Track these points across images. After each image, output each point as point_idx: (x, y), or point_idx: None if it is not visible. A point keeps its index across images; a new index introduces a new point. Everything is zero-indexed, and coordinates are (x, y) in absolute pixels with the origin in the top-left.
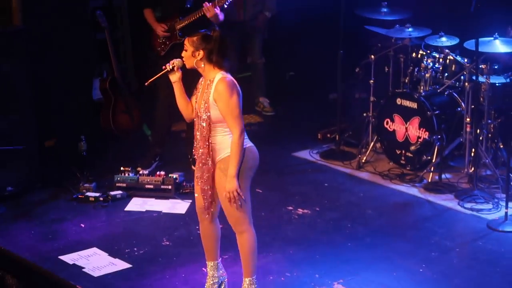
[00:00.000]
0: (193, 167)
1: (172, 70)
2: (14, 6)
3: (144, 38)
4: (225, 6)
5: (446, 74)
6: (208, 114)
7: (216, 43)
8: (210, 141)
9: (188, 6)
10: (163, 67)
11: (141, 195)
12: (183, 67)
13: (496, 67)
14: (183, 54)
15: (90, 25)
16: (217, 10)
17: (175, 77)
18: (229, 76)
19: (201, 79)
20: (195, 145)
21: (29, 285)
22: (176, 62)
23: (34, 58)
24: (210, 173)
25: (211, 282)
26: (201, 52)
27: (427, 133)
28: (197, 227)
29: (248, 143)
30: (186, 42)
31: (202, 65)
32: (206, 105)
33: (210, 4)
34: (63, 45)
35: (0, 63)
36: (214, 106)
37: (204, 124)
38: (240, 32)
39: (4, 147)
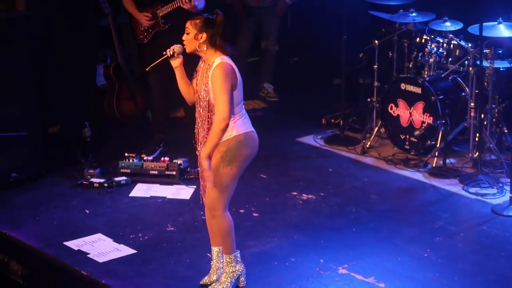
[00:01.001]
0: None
1: (173, 55)
2: None
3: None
4: None
5: (450, 59)
6: (208, 97)
7: (220, 27)
8: (211, 123)
9: None
10: (164, 52)
11: (146, 181)
12: (183, 52)
13: (500, 51)
14: (185, 37)
15: (94, 11)
16: (195, 1)
17: (176, 63)
18: (228, 62)
19: (200, 62)
20: (196, 127)
21: (34, 271)
22: (176, 48)
23: (38, 44)
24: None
25: (216, 267)
26: (204, 35)
27: (431, 118)
28: (201, 212)
29: (249, 128)
30: (188, 25)
31: (204, 48)
32: (206, 88)
33: None
34: (67, 31)
35: (3, 49)
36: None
37: (205, 107)
38: (257, 17)
39: (8, 133)
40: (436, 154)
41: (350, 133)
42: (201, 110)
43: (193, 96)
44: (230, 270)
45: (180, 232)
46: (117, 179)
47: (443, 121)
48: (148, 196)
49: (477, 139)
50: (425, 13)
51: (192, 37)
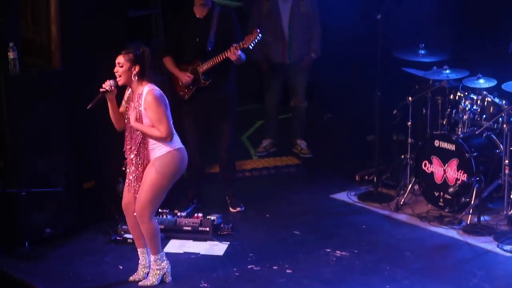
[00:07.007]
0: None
1: (110, 90)
2: (53, 49)
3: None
4: (250, 47)
5: (484, 116)
6: (141, 122)
7: (149, 60)
8: (144, 144)
9: (209, 49)
10: (100, 89)
11: (179, 237)
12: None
13: None
14: (119, 69)
15: None
16: (240, 53)
17: (111, 95)
18: (156, 89)
19: (128, 91)
20: (127, 148)
21: None
22: (112, 82)
23: (73, 100)
24: (143, 171)
25: (142, 265)
26: (137, 67)
27: (465, 175)
28: (235, 269)
29: (179, 144)
30: (121, 59)
31: (136, 79)
32: (138, 115)
33: (236, 45)
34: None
35: (40, 105)
36: (146, 115)
37: (137, 132)
38: (283, 74)
39: (43, 189)
40: (471, 211)
41: (384, 190)
42: (134, 133)
43: (124, 124)
44: (157, 268)
45: None
46: None
47: (478, 178)
48: (182, 252)
49: (511, 196)
50: (458, 70)
51: (126, 69)
